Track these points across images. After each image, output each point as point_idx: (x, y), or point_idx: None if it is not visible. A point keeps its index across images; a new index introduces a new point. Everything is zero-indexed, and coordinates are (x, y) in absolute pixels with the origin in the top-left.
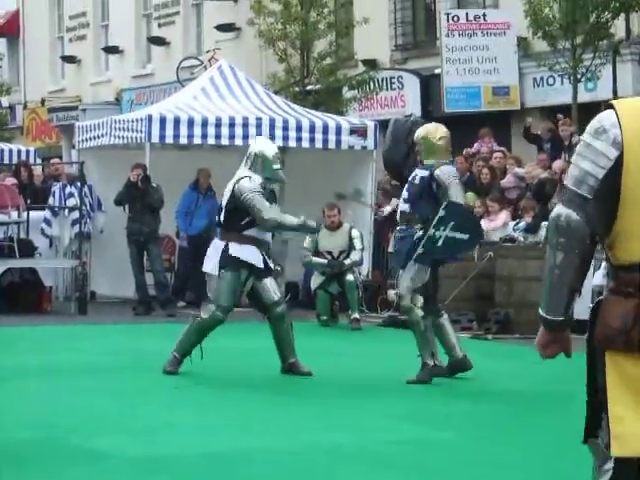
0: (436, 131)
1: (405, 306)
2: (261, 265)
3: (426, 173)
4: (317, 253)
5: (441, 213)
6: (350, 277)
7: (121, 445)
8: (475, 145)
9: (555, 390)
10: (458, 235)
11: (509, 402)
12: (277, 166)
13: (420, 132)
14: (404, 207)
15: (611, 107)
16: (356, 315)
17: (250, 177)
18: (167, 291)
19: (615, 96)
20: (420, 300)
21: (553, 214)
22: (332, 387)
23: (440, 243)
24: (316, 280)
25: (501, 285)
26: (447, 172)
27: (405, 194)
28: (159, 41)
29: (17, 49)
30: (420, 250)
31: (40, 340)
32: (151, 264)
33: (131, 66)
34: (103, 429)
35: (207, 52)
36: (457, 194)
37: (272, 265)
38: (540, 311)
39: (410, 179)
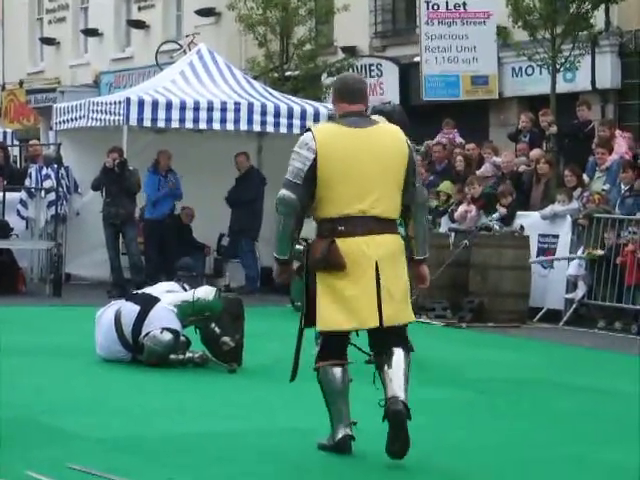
0: None
1: None
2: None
3: None
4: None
5: None
6: None
7: (92, 426)
8: (437, 137)
9: (528, 378)
10: None
11: (482, 389)
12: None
13: None
14: None
15: (310, 130)
16: None
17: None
18: (142, 274)
19: (593, 87)
20: None
21: (279, 194)
22: (307, 372)
23: None
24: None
25: (475, 274)
26: None
27: None
28: (139, 24)
29: None
30: None
31: (14, 321)
32: (127, 247)
33: (110, 49)
34: (74, 410)
35: (187, 36)
36: None
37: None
38: (274, 254)
39: None
